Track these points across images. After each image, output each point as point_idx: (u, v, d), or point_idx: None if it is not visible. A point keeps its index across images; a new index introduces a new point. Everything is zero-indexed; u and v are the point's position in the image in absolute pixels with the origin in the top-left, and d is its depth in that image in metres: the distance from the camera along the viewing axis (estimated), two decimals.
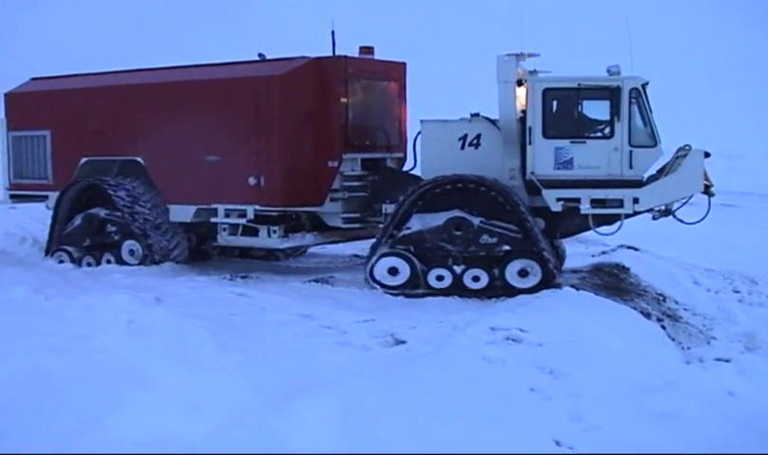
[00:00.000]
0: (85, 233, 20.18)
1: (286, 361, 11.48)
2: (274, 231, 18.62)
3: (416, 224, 17.08)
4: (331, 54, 18.75)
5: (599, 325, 13.21)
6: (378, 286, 17.15)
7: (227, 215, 19.01)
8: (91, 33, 61.44)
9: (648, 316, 15.63)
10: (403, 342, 13.09)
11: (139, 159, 19.94)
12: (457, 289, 16.89)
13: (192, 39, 57.56)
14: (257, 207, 18.50)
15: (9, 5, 65.88)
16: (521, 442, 9.36)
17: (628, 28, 16.70)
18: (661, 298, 17.34)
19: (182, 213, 19.52)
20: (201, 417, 9.11)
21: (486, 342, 12.62)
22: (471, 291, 16.80)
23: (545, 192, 16.83)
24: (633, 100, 16.59)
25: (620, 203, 16.68)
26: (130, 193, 19.72)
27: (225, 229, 19.09)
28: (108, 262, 19.93)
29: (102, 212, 20.03)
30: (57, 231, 20.60)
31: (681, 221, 17.17)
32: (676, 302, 17.19)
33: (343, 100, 18.41)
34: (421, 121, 18.03)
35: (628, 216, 16.95)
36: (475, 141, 17.60)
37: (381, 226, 17.75)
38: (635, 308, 15.76)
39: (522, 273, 16.67)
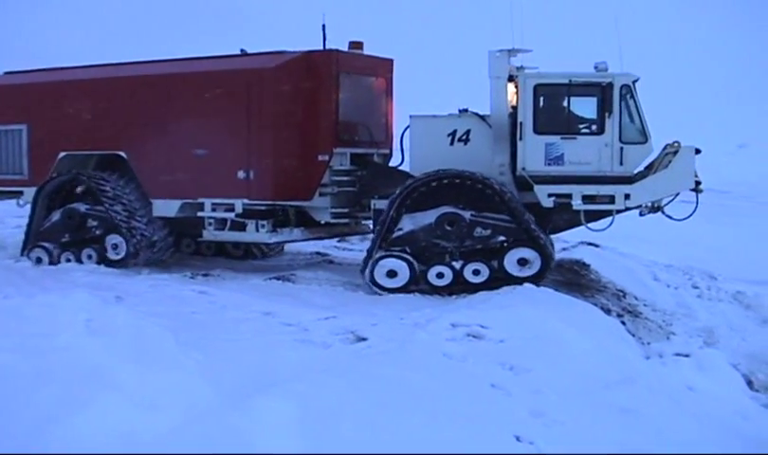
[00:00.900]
0: (65, 229, 19.84)
1: (247, 359, 11.41)
2: (262, 226, 18.49)
3: (407, 224, 17.01)
4: (321, 48, 18.62)
5: (560, 321, 13.24)
6: (380, 290, 17.01)
7: (213, 210, 18.81)
8: (66, 32, 60.90)
9: (608, 312, 15.74)
10: (364, 339, 13.06)
11: (122, 153, 19.63)
12: (459, 285, 16.80)
13: (174, 36, 57.11)
14: (246, 201, 18.38)
15: None
16: (482, 438, 9.36)
17: (616, 26, 16.78)
18: (621, 294, 17.46)
19: (166, 208, 19.32)
20: (161, 415, 9.03)
21: (447, 339, 12.65)
22: (474, 285, 16.66)
23: (537, 188, 16.84)
24: (624, 97, 16.67)
25: (611, 199, 16.73)
26: (113, 187, 19.46)
27: (211, 224, 18.90)
28: (89, 257, 19.64)
29: (83, 207, 19.73)
30: (34, 228, 20.19)
31: (669, 217, 17.22)
32: (636, 298, 17.31)
33: (334, 94, 18.30)
34: (410, 117, 18.00)
35: (619, 212, 16.99)
36: (464, 137, 17.58)
37: (369, 223, 17.66)
38: (596, 304, 15.87)
39: (522, 262, 16.61)
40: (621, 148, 16.62)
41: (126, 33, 59.10)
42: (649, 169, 17.05)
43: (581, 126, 17.03)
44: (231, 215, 18.61)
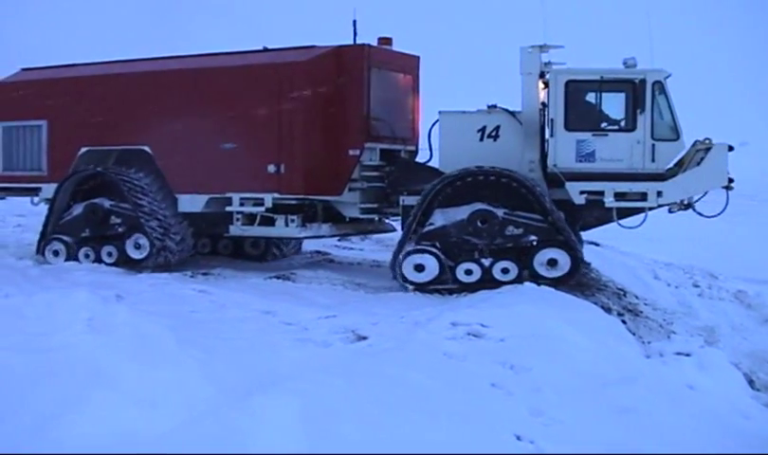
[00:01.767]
0: (86, 223, 19.63)
1: (247, 358, 11.41)
2: (292, 221, 18.41)
3: (439, 219, 16.92)
4: (352, 43, 18.63)
5: (560, 320, 13.24)
6: (409, 284, 16.92)
7: (242, 204, 18.71)
8: (76, 31, 60.95)
9: (608, 310, 15.71)
10: (364, 338, 13.06)
11: (147, 148, 19.47)
12: (487, 282, 16.63)
13: (193, 33, 57.17)
14: (276, 195, 18.30)
15: None
16: (482, 436, 9.36)
17: (648, 21, 16.72)
18: (621, 292, 17.44)
19: (192, 203, 19.18)
20: (161, 414, 9.05)
21: (448, 338, 12.64)
22: (502, 283, 16.48)
23: (569, 185, 16.79)
24: (656, 93, 16.62)
25: (644, 196, 16.68)
26: (138, 183, 19.28)
27: (239, 219, 18.78)
28: (109, 254, 19.45)
29: (107, 203, 19.54)
30: (53, 221, 20.02)
31: (700, 214, 17.12)
32: (636, 297, 17.30)
33: (365, 88, 18.28)
34: (440, 113, 17.98)
35: (651, 209, 16.93)
36: (494, 133, 17.53)
37: (393, 222, 17.59)
38: (596, 303, 15.83)
39: (552, 262, 16.50)
40: (653, 145, 16.55)
41: (114, 32, 59.19)
42: (679, 166, 16.98)
43: (613, 123, 17.02)
44: (261, 210, 18.45)
